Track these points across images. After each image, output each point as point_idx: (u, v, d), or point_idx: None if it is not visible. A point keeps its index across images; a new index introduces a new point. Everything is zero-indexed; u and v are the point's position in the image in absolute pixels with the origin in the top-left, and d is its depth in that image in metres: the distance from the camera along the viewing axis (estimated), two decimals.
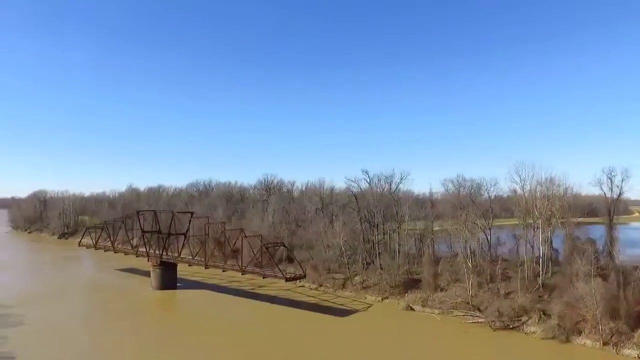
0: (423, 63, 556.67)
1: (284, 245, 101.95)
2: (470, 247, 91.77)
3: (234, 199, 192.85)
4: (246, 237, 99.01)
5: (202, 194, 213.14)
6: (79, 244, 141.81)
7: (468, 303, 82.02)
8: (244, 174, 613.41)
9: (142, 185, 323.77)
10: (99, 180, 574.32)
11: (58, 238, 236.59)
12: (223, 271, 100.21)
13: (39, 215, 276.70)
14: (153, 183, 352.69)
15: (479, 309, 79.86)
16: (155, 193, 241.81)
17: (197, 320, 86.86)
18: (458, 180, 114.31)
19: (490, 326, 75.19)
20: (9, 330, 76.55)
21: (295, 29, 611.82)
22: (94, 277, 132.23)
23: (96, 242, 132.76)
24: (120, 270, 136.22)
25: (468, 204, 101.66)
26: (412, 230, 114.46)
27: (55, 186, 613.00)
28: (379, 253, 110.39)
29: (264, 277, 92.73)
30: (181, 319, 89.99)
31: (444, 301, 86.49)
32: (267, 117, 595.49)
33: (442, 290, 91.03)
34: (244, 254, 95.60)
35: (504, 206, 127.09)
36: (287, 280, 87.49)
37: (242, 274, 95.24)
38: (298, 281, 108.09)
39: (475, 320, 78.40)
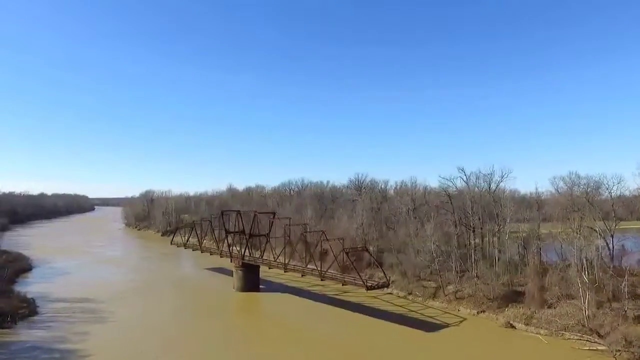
0: (518, 55, 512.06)
1: (367, 250, 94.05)
2: (586, 256, 76.36)
3: (326, 199, 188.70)
4: (327, 240, 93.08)
5: (293, 194, 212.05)
6: (171, 243, 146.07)
7: (584, 325, 68.03)
8: (340, 173, 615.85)
9: (243, 185, 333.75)
10: (206, 180, 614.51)
11: (161, 235, 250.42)
12: (302, 276, 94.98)
13: (147, 214, 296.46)
14: (252, 183, 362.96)
15: (598, 334, 65.65)
16: (250, 193, 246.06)
17: (271, 327, 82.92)
18: (570, 178, 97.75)
19: (613, 356, 60.60)
20: (92, 327, 78.74)
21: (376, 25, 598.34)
22: (183, 275, 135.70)
23: (186, 242, 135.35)
24: (209, 269, 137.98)
25: (584, 205, 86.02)
26: (514, 233, 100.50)
27: (163, 186, 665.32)
28: (476, 260, 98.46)
29: (343, 285, 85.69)
30: (256, 325, 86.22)
31: (552, 320, 73.14)
32: (362, 117, 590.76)
33: (549, 306, 77.34)
34: (328, 257, 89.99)
35: (630, 207, 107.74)
36: (368, 289, 79.65)
37: (321, 280, 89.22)
38: (385, 288, 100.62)
39: (594, 348, 64.22)
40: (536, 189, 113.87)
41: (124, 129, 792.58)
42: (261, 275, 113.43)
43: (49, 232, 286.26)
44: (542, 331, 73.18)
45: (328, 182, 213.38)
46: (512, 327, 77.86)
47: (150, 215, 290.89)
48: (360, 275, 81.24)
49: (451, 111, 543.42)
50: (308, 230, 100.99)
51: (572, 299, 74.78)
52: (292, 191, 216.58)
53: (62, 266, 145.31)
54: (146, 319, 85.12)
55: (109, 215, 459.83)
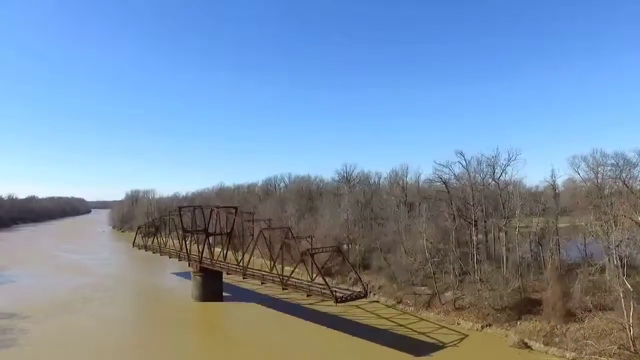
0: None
1: (339, 251, 75.88)
2: (624, 255, 57.29)
3: (312, 194, 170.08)
4: (293, 238, 75.21)
5: (277, 189, 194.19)
6: (132, 245, 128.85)
7: (629, 350, 49.76)
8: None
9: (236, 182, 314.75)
10: (206, 180, 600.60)
11: (142, 237, 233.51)
12: (262, 283, 77.01)
13: (131, 215, 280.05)
14: (251, 181, 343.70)
15: None
16: (236, 190, 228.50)
17: (217, 349, 64.98)
18: (594, 157, 78.42)
19: None
20: None
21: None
22: (143, 281, 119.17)
23: (146, 244, 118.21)
24: (175, 273, 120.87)
25: (614, 190, 67.46)
26: (525, 228, 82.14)
27: (162, 187, 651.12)
28: (479, 260, 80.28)
29: (307, 296, 67.13)
30: (200, 347, 68.11)
31: (580, 340, 54.97)
32: (362, 114, 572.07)
33: (576, 320, 59.13)
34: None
35: None
36: (337, 301, 61.10)
37: (282, 289, 71.02)
38: (372, 294, 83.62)
39: None
40: (552, 172, 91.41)
41: (122, 130, 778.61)
42: (230, 280, 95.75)
43: (27, 235, 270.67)
44: (568, 354, 55.10)
45: (316, 175, 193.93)
46: (528, 346, 59.92)
47: (134, 216, 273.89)
48: (328, 285, 62.75)
49: (450, 103, 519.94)
50: (271, 227, 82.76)
51: (608, 310, 56.60)
52: (276, 186, 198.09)
53: (11, 274, 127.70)
54: (66, 339, 67.76)
55: (101, 218, 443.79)
